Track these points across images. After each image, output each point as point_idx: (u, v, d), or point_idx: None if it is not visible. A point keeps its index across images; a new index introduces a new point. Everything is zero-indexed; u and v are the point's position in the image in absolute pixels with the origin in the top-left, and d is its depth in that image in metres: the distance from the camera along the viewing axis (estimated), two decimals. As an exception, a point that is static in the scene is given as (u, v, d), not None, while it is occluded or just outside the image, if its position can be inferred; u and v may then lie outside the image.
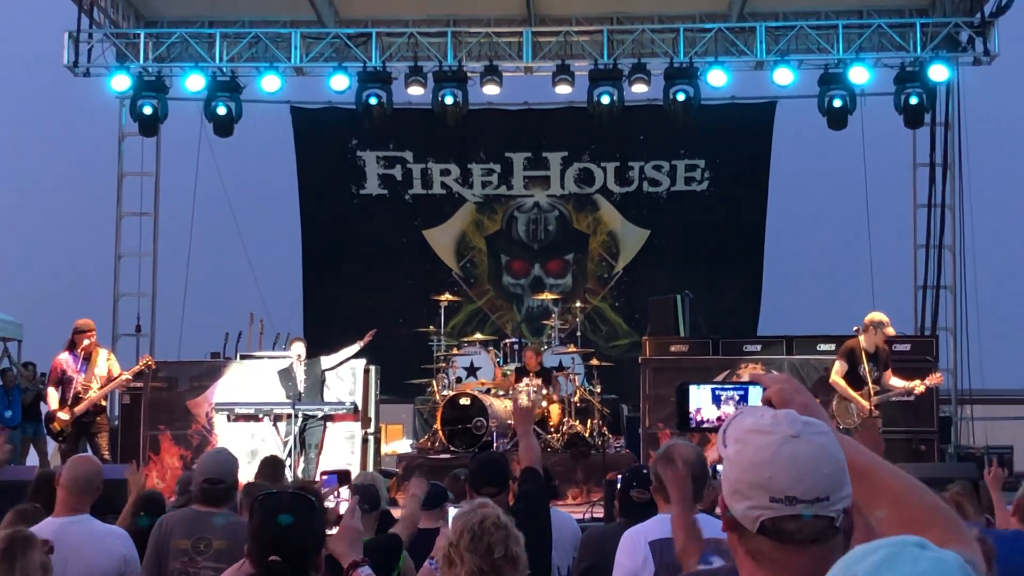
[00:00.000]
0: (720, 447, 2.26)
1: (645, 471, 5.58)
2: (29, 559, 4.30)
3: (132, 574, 5.79)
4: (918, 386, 12.50)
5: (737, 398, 2.80)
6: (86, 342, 12.82)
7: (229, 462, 6.33)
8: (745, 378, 3.03)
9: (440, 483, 7.88)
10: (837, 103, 17.28)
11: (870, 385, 12.38)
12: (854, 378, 12.48)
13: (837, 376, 12.54)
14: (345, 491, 5.26)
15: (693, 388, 2.93)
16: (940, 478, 8.36)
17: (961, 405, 18.07)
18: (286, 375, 13.94)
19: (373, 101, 17.47)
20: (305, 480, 12.79)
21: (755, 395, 2.62)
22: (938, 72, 17.20)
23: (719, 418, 2.81)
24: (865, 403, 12.34)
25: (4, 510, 6.47)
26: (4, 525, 5.81)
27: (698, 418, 2.90)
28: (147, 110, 17.78)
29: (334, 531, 4.39)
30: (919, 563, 1.77)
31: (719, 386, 2.86)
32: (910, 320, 18.82)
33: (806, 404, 2.37)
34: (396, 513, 9.12)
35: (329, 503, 5.42)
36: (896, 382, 12.45)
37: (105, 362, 12.93)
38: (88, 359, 12.87)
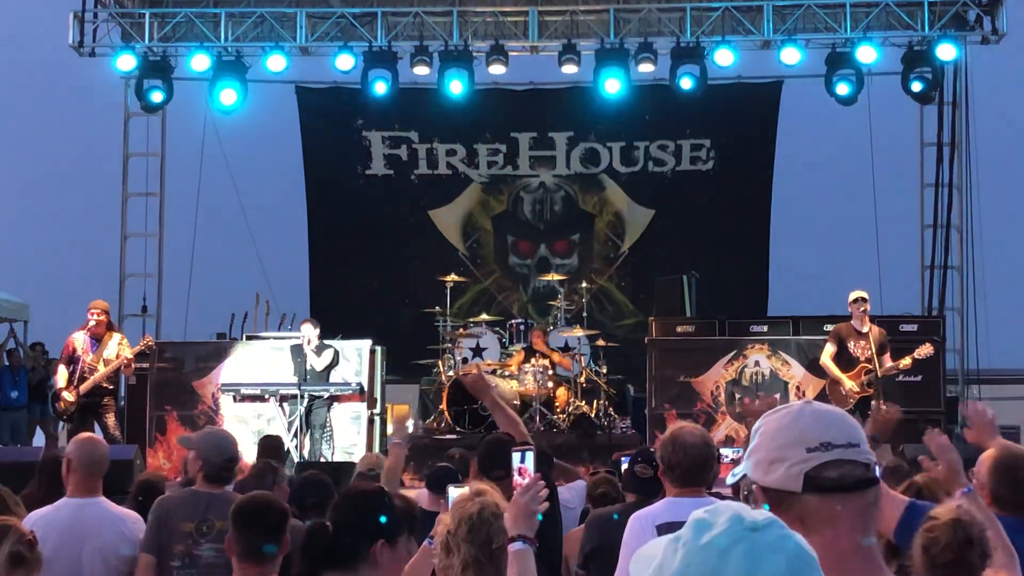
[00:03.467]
0: (748, 470, 2.26)
1: (652, 450, 5.58)
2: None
3: None
4: (904, 361, 12.53)
5: None
6: (92, 322, 12.85)
7: (229, 440, 6.34)
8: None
9: (450, 464, 7.86)
10: (844, 88, 17.22)
11: (863, 364, 12.47)
12: (845, 359, 12.60)
13: (827, 358, 12.72)
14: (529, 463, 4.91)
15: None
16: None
17: (968, 385, 18.05)
18: (297, 351, 13.95)
19: (378, 81, 17.46)
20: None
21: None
22: (946, 51, 17.14)
23: None
24: (852, 383, 12.43)
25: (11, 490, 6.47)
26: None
27: None
28: (155, 96, 17.76)
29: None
30: (777, 550, 1.82)
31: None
32: (917, 300, 18.80)
33: None
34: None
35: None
36: (891, 363, 12.52)
37: (116, 345, 12.95)
38: (99, 340, 12.89)
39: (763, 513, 1.88)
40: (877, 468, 2.22)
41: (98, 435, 6.40)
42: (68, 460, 5.83)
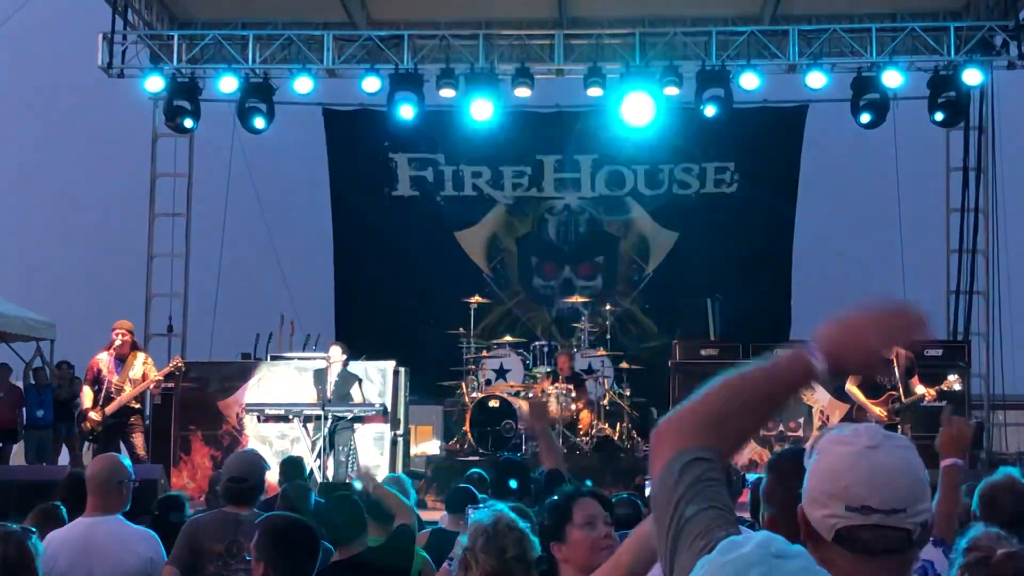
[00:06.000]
0: (806, 458, 2.30)
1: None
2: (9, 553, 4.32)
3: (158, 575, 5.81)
4: (930, 391, 12.44)
5: None
6: (118, 342, 12.90)
7: (255, 462, 6.38)
8: None
9: (469, 486, 7.88)
10: (866, 117, 17.19)
11: (890, 391, 12.37)
12: (872, 386, 12.48)
13: (851, 384, 12.57)
14: None
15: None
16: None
17: (993, 411, 17.96)
18: (320, 376, 13.98)
19: (404, 104, 17.52)
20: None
21: None
22: (972, 76, 17.08)
23: None
24: (879, 411, 12.34)
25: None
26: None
27: None
28: (188, 123, 17.86)
29: None
30: None
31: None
32: (942, 325, 18.72)
33: None
34: (425, 515, 9.15)
35: None
36: (919, 389, 12.43)
37: (141, 365, 13.00)
38: (123, 360, 12.94)
39: (796, 547, 1.90)
40: (921, 529, 2.17)
41: (115, 455, 6.40)
42: (85, 480, 5.91)
